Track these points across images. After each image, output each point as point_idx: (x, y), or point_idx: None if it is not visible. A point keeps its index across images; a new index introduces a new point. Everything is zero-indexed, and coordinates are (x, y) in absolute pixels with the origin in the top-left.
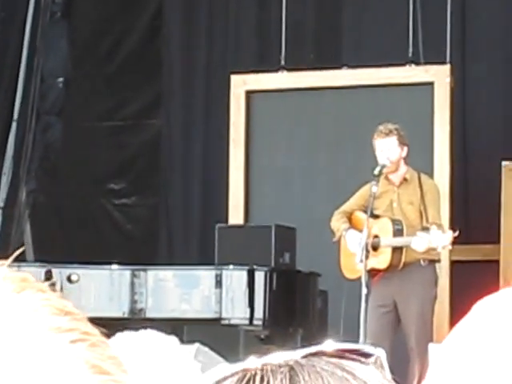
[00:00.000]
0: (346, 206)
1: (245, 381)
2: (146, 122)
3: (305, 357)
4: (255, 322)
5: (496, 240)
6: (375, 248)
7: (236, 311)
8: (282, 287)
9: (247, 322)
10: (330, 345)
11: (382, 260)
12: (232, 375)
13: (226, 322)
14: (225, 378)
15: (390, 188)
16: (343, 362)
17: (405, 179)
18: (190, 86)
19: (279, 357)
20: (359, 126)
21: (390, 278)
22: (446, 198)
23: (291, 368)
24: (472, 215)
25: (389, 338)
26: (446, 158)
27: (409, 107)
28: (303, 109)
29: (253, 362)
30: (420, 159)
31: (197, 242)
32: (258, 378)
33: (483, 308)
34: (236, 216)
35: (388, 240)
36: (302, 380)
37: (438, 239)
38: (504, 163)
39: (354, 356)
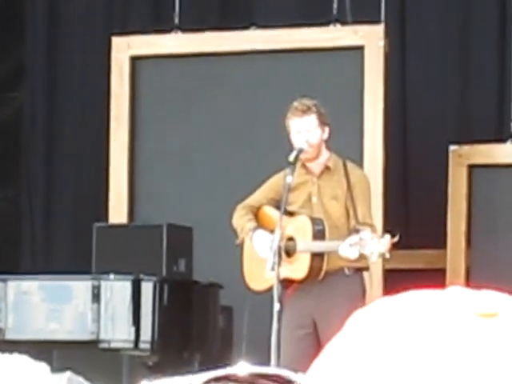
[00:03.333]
0: (252, 200)
1: None
2: (4, 95)
3: (207, 382)
4: (142, 346)
5: (442, 244)
6: (289, 253)
7: (118, 332)
8: (175, 302)
9: (132, 345)
10: (241, 368)
11: (297, 268)
12: None
13: (106, 345)
14: None
15: (309, 178)
16: None
17: (327, 168)
18: (60, 50)
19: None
20: (271, 100)
21: (307, 292)
22: (379, 193)
23: None
24: (412, 214)
25: (309, 366)
26: (379, 141)
27: (332, 78)
28: (203, 79)
29: None
30: (346, 143)
31: (69, 245)
32: None
33: (355, 324)
34: (118, 213)
35: (306, 244)
36: None
37: (373, 246)
38: (452, 147)
39: (270, 383)
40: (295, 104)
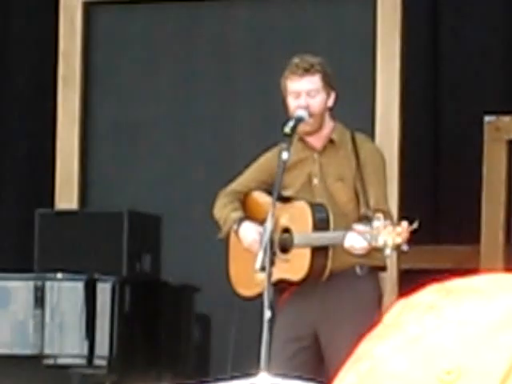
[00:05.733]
0: (239, 184)
1: None
2: None
3: None
4: (97, 362)
5: (475, 239)
6: (285, 249)
7: (67, 345)
8: (139, 308)
9: (84, 361)
10: (263, 380)
11: (295, 267)
12: None
13: (51, 361)
14: None
15: (309, 155)
16: None
17: (331, 141)
18: None
19: None
20: (261, 58)
21: (307, 296)
22: (395, 172)
23: None
24: (438, 200)
25: None
26: (395, 108)
27: (336, 29)
28: (172, 31)
29: None
30: (355, 111)
31: (6, 236)
32: None
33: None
34: (66, 197)
35: (305, 236)
36: None
37: (387, 235)
38: (488, 118)
39: None
40: (295, 60)
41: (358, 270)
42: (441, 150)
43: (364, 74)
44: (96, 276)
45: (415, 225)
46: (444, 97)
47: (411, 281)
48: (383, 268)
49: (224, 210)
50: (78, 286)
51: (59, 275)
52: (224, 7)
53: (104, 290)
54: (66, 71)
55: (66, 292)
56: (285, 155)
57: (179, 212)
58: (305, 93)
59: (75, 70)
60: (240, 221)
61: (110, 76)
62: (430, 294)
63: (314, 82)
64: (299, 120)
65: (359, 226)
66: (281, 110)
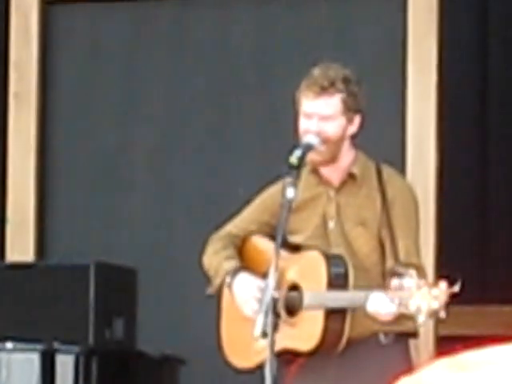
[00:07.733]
0: (235, 226)
1: None
2: None
3: None
4: None
5: None
6: (292, 310)
7: None
8: None
9: None
10: None
11: (304, 334)
12: None
13: None
14: None
15: (323, 192)
16: None
17: (351, 176)
18: None
19: None
20: (270, 66)
21: (320, 370)
22: (431, 216)
23: None
24: (485, 250)
25: None
26: (431, 134)
27: (365, 34)
28: (153, 35)
29: None
30: (382, 137)
31: None
32: None
33: None
34: (20, 246)
35: (318, 295)
36: None
37: (421, 299)
38: None
39: None
40: (315, 72)
41: (382, 337)
42: (490, 187)
43: (391, 89)
44: (55, 346)
45: (457, 287)
46: (494, 117)
47: (451, 350)
48: (414, 334)
49: (215, 257)
50: (33, 359)
51: (9, 345)
52: (223, 3)
53: (65, 364)
54: (18, 86)
55: (17, 366)
56: (290, 193)
57: (159, 263)
58: (318, 116)
59: (31, 84)
60: (235, 271)
61: (73, 93)
62: (439, 371)
63: (331, 104)
64: (308, 148)
65: (393, 283)
66: (288, 133)
